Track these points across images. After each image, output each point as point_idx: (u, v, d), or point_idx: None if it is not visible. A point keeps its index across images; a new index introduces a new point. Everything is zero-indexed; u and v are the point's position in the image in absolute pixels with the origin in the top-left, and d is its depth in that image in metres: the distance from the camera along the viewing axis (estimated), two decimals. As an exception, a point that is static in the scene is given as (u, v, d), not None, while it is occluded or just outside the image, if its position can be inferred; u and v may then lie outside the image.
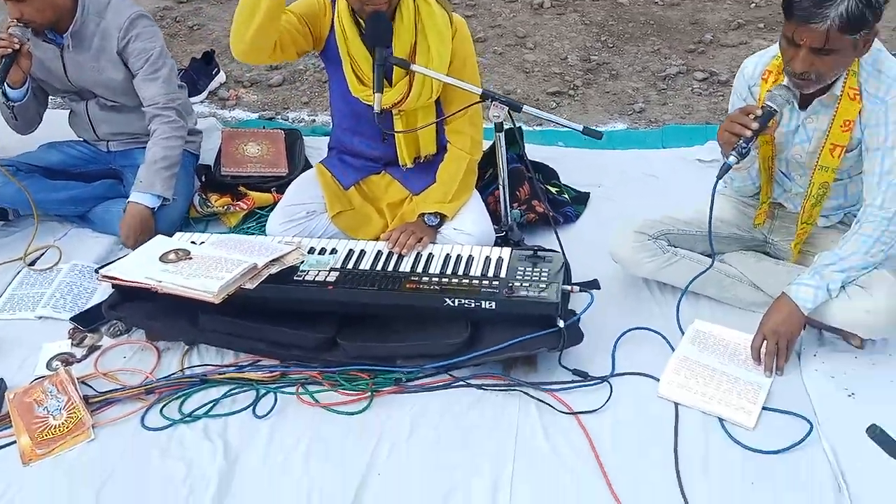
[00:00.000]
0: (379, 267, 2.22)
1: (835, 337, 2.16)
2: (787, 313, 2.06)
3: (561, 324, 2.05)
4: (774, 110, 2.00)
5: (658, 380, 2.05)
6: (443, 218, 2.39)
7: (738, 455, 1.85)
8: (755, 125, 1.98)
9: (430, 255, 2.26)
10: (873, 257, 2.05)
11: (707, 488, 1.78)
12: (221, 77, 3.84)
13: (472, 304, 2.07)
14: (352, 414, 2.01)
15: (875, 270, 2.07)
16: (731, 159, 1.99)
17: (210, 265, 2.12)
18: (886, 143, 2.01)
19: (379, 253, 2.27)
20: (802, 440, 1.85)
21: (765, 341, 2.07)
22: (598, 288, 2.30)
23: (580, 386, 2.06)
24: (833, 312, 2.06)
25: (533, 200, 2.65)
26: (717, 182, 2.07)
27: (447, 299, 2.08)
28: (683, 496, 1.75)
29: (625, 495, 1.76)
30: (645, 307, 2.33)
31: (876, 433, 1.34)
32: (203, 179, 2.90)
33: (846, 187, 2.20)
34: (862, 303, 2.03)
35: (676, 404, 1.98)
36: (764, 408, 1.95)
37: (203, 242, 2.30)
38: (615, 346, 2.17)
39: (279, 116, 3.63)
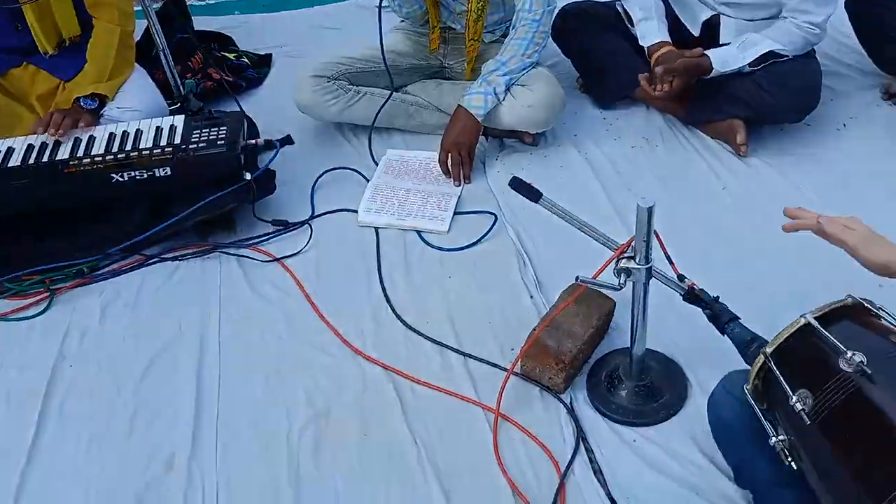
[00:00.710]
0: (32, 161, 1.97)
1: (513, 141, 2.30)
2: (464, 123, 2.15)
3: (248, 176, 1.99)
4: None
5: (357, 211, 2.07)
6: (102, 99, 2.18)
7: (436, 256, 1.93)
8: None
9: (92, 138, 2.04)
10: (529, 57, 2.18)
11: (410, 288, 1.85)
12: None
13: (146, 175, 1.92)
14: (32, 318, 1.83)
15: (533, 69, 2.21)
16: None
17: None
18: None
19: (30, 147, 2.02)
20: (489, 231, 1.97)
21: (449, 154, 2.16)
22: (292, 143, 2.25)
23: (281, 234, 2.03)
24: (503, 115, 2.18)
25: (208, 69, 2.51)
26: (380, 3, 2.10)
27: (115, 175, 1.91)
28: (388, 301, 1.82)
29: (334, 317, 1.78)
30: (340, 150, 2.33)
31: (514, 184, 1.44)
32: None
33: (503, 0, 2.30)
34: (524, 99, 2.16)
35: (376, 228, 2.02)
36: (456, 213, 2.04)
37: None
38: (313, 190, 2.16)
39: None
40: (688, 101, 2.30)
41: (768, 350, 1.17)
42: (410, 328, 1.75)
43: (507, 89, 2.17)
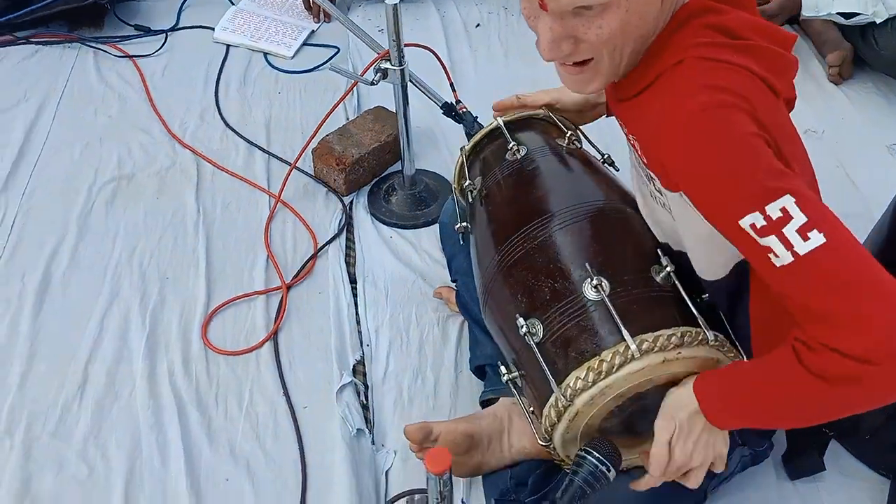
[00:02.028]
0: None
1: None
2: None
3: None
4: None
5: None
6: None
7: (273, 76, 2.11)
8: None
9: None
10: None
11: (240, 97, 2.03)
12: None
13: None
14: None
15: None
16: None
17: None
18: None
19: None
20: (327, 61, 2.15)
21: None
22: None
23: (141, 37, 2.20)
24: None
25: None
26: None
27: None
28: (217, 102, 2.00)
29: (164, 109, 1.97)
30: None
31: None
32: None
33: None
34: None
35: (228, 46, 2.19)
36: (306, 44, 2.21)
37: None
38: (182, 5, 2.31)
39: None
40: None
41: (466, 148, 1.37)
42: (229, 126, 1.94)
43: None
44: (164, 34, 2.20)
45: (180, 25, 2.24)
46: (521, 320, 1.08)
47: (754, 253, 0.85)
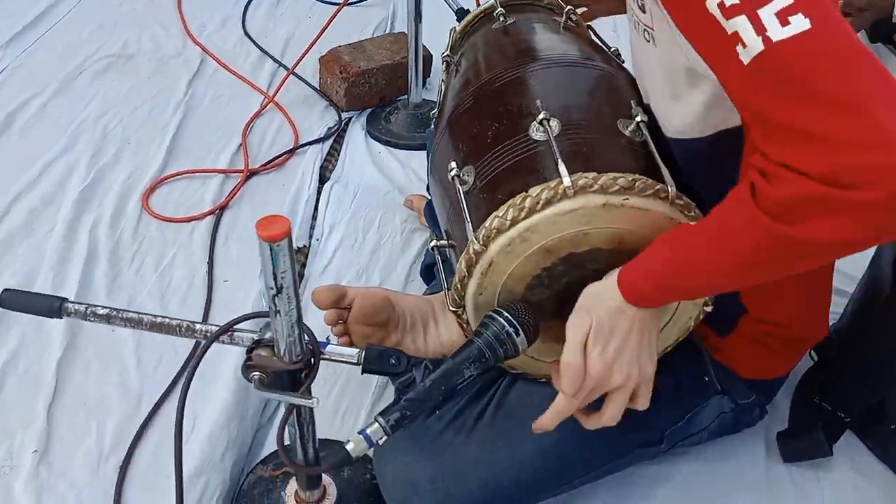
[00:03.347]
0: None
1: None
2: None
3: None
4: None
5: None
6: None
7: (308, 3, 2.02)
8: None
9: None
10: None
11: (270, 18, 1.94)
12: None
13: None
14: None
15: None
16: None
17: None
18: None
19: None
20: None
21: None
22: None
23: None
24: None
25: None
26: None
27: None
28: (244, 20, 1.92)
29: (191, 18, 1.91)
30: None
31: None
32: None
33: None
34: None
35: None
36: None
37: None
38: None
39: None
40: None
41: (458, 27, 1.21)
42: (247, 35, 1.86)
43: None
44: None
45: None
46: (453, 165, 0.90)
47: (718, 50, 0.64)
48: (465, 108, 0.99)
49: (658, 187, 0.80)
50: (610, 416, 0.76)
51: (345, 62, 1.65)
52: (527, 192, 0.81)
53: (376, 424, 0.79)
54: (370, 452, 0.79)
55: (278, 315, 0.74)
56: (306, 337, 0.80)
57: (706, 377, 0.96)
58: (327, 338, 1.13)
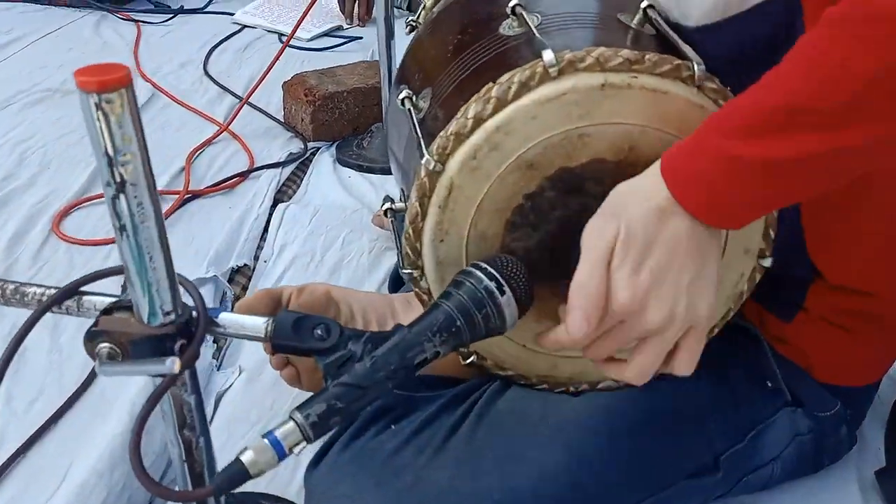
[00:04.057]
0: None
1: None
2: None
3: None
4: None
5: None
6: None
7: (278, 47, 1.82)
8: None
9: None
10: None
11: (235, 60, 1.77)
12: None
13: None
14: None
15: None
16: None
17: None
18: None
19: None
20: (345, 42, 1.88)
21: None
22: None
23: (158, 12, 2.01)
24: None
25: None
26: None
27: None
28: (205, 64, 1.75)
29: (147, 61, 1.74)
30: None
31: None
32: None
33: None
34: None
35: (244, 26, 1.94)
36: (328, 35, 1.95)
37: None
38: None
39: None
40: None
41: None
42: (207, 74, 1.66)
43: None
44: (182, 11, 2.01)
45: (206, 9, 2.06)
46: (405, 92, 0.67)
47: None
48: (424, 35, 0.77)
49: (678, 62, 0.56)
50: (638, 369, 0.49)
51: (310, 85, 1.44)
52: (494, 81, 0.57)
53: (291, 423, 0.51)
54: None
55: (125, 234, 0.49)
56: (183, 290, 0.54)
57: (769, 381, 0.68)
58: (222, 302, 0.89)
